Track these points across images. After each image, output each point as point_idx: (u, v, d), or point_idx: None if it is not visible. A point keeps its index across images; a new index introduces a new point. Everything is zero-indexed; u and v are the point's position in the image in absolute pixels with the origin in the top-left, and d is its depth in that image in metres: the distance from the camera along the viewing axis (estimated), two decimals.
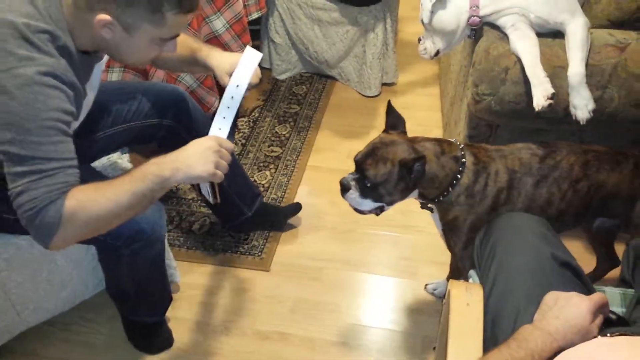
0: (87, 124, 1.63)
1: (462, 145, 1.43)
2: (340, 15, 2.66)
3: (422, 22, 1.77)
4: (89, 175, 1.30)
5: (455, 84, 2.23)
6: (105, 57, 1.44)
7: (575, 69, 1.57)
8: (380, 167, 1.36)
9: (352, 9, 2.62)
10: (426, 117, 2.68)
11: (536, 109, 1.57)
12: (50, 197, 1.12)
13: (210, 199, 1.44)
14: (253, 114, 2.74)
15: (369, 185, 1.38)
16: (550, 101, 1.55)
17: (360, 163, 1.40)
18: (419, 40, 1.85)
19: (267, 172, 2.41)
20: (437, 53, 1.81)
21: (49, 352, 1.79)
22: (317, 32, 2.75)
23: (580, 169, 1.42)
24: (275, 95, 2.86)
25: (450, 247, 1.55)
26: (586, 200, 1.44)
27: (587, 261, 1.86)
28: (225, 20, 2.32)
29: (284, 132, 2.63)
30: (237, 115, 1.42)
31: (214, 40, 2.34)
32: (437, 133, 2.56)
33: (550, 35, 1.66)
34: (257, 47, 2.90)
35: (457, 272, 1.72)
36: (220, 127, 1.41)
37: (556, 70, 1.61)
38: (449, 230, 1.49)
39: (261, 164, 2.45)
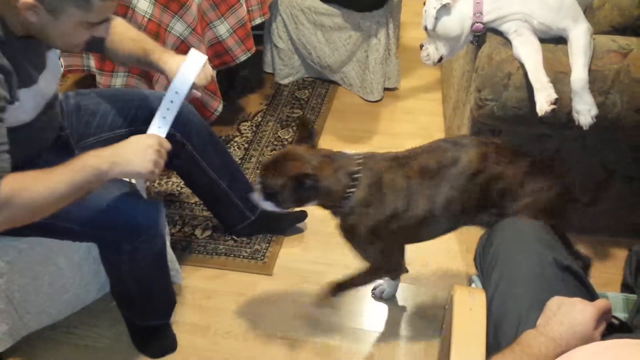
0: (83, 128, 1.65)
1: (361, 159, 1.49)
2: (343, 20, 2.67)
3: (425, 29, 1.77)
4: None
5: (457, 89, 2.23)
6: None
7: (578, 75, 1.57)
8: (277, 179, 1.44)
9: (354, 14, 2.63)
10: (428, 121, 2.68)
11: (539, 114, 1.58)
12: None
13: (145, 195, 1.44)
14: (256, 118, 2.74)
15: (269, 192, 1.48)
16: (553, 106, 1.55)
17: (263, 170, 1.50)
18: (421, 46, 1.85)
19: None
20: (441, 59, 1.81)
21: (51, 356, 1.78)
22: (319, 37, 2.76)
23: (479, 161, 1.47)
24: (278, 100, 2.86)
25: (353, 250, 1.61)
26: (485, 193, 1.49)
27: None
28: (229, 26, 2.33)
29: (286, 137, 2.63)
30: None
31: (218, 45, 2.35)
32: (440, 137, 2.56)
33: (553, 41, 1.67)
34: (260, 52, 2.93)
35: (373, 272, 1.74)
36: (160, 125, 1.43)
37: (559, 76, 1.61)
38: (348, 235, 1.56)
39: None
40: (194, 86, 1.52)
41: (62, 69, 1.50)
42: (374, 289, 1.93)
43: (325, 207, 1.53)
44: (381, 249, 1.58)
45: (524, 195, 1.48)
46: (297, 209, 1.56)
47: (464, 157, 1.47)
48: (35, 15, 1.18)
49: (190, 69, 1.48)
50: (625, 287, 1.28)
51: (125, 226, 1.47)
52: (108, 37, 1.55)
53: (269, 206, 1.51)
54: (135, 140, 1.31)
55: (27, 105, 1.33)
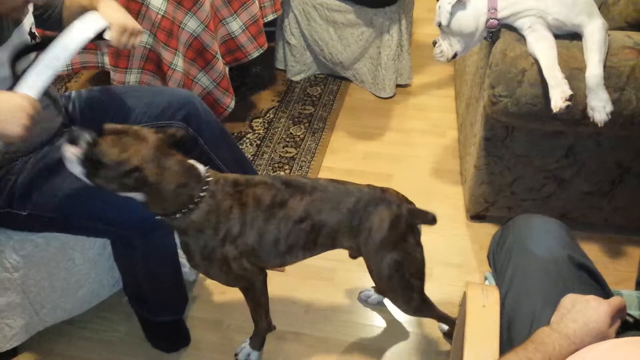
0: (96, 125, 1.66)
1: (210, 180, 1.38)
2: (355, 16, 2.66)
3: (439, 25, 1.77)
4: None
5: (471, 85, 2.22)
6: (28, 22, 1.41)
7: (593, 71, 1.56)
8: (114, 151, 1.25)
9: (367, 10, 2.63)
10: (441, 118, 2.68)
11: (554, 111, 1.57)
12: None
13: None
14: (268, 115, 2.75)
15: (92, 157, 1.26)
16: (568, 103, 1.54)
17: (102, 133, 1.29)
18: (434, 43, 1.84)
19: (282, 173, 2.42)
20: (455, 56, 1.80)
21: (66, 350, 1.81)
22: (332, 33, 2.76)
23: (303, 209, 1.40)
24: (290, 97, 2.87)
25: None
26: (312, 236, 1.43)
27: (603, 264, 1.86)
28: (241, 22, 2.34)
29: (298, 133, 2.64)
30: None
31: (231, 41, 2.36)
32: (452, 134, 2.56)
33: (568, 37, 1.66)
34: (272, 49, 2.93)
35: None
36: (32, 85, 1.26)
37: (574, 72, 1.60)
38: (183, 249, 1.45)
39: (276, 165, 2.46)
40: (105, 41, 1.42)
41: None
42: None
43: (148, 208, 1.38)
44: (222, 275, 1.49)
45: (360, 234, 1.43)
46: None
47: (291, 201, 1.41)
48: None
49: (81, 30, 1.33)
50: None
51: (138, 221, 1.48)
52: (63, 7, 1.53)
53: (78, 172, 1.29)
54: (5, 100, 1.19)
55: None
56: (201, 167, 1.40)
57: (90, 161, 1.26)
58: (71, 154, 1.28)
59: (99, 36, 1.41)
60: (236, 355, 1.76)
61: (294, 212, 1.41)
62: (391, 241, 1.43)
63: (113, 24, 1.42)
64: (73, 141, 1.28)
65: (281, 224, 1.41)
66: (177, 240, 1.49)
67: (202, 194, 1.36)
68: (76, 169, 1.29)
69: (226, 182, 1.41)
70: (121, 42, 1.45)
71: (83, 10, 1.46)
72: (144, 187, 1.29)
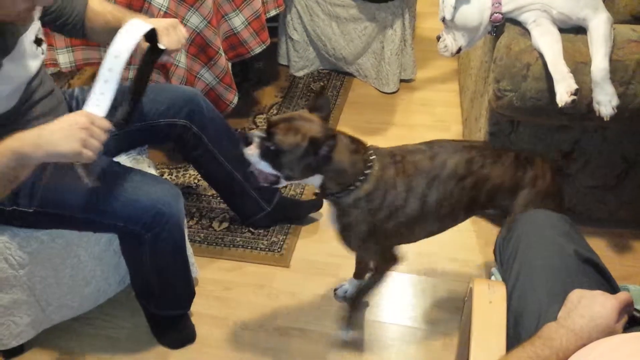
0: None
1: (374, 151, 1.43)
2: (358, 11, 2.65)
3: (443, 20, 1.76)
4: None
5: (475, 79, 2.22)
6: (34, 29, 1.39)
7: (599, 65, 1.55)
8: (290, 136, 1.30)
9: (370, 5, 2.62)
10: (445, 113, 2.67)
11: (559, 105, 1.56)
12: None
13: (87, 181, 1.31)
14: (271, 110, 2.74)
15: (272, 149, 1.31)
16: (574, 97, 1.53)
17: (272, 124, 1.33)
18: (438, 38, 1.84)
19: None
20: (459, 50, 1.79)
21: (72, 346, 1.81)
22: (335, 28, 2.75)
23: (465, 166, 1.46)
24: (293, 92, 2.86)
25: (348, 249, 1.56)
26: (473, 195, 1.49)
27: (609, 259, 1.85)
28: (244, 18, 2.33)
29: None
30: (139, 94, 1.30)
31: (233, 37, 2.35)
32: (457, 129, 2.55)
33: (573, 31, 1.65)
34: (275, 44, 2.93)
35: (362, 267, 1.77)
36: (97, 103, 1.26)
37: (579, 66, 1.59)
38: (345, 233, 1.49)
39: None
40: (165, 52, 1.41)
41: (42, 56, 1.44)
42: (336, 289, 1.91)
43: (324, 190, 1.41)
44: (377, 248, 1.54)
45: (521, 188, 1.49)
46: (300, 181, 1.39)
47: (450, 161, 1.46)
48: None
49: (130, 35, 1.31)
50: None
51: (147, 215, 1.48)
52: (85, 20, 1.52)
53: (262, 166, 1.35)
54: (61, 119, 1.19)
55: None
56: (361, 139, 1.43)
57: (271, 153, 1.31)
58: (251, 154, 1.34)
59: (156, 51, 1.39)
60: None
61: (456, 170, 1.45)
62: (553, 191, 1.52)
63: (156, 27, 1.39)
64: (248, 143, 1.34)
65: (444, 185, 1.44)
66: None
67: (369, 165, 1.39)
68: (262, 166, 1.35)
69: (385, 153, 1.45)
70: (173, 40, 1.43)
71: (107, 25, 1.47)
72: (324, 163, 1.32)
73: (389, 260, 1.63)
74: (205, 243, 2.13)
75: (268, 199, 2.06)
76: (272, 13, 2.55)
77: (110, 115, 1.27)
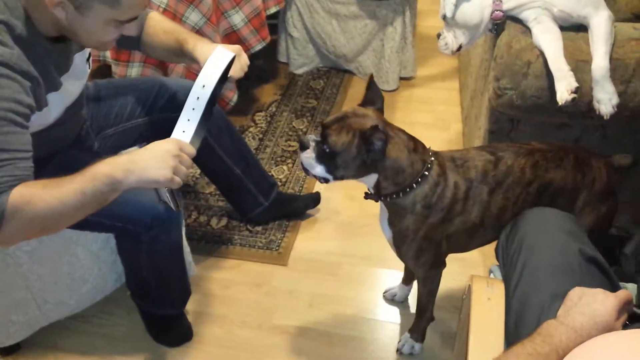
0: (102, 120, 1.66)
1: (433, 153, 1.38)
2: (358, 9, 2.65)
3: (444, 17, 1.75)
4: None
5: (475, 77, 2.21)
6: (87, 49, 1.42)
7: (599, 63, 1.54)
8: (343, 135, 1.28)
9: (370, 2, 2.61)
10: (445, 111, 2.66)
11: (559, 104, 1.55)
12: None
13: (171, 205, 1.35)
14: (270, 108, 2.74)
15: (327, 151, 1.30)
16: (574, 95, 1.53)
17: (325, 127, 1.31)
18: (438, 35, 1.83)
19: (285, 167, 2.41)
20: (460, 48, 1.79)
21: (69, 344, 1.80)
22: (335, 26, 2.75)
23: (531, 171, 1.40)
24: (292, 90, 2.86)
25: (400, 256, 1.51)
26: (537, 200, 1.42)
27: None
28: (244, 15, 2.33)
29: (301, 127, 2.62)
30: (207, 118, 1.34)
31: (233, 34, 2.35)
32: (457, 127, 2.55)
33: (574, 29, 1.64)
34: (275, 42, 2.92)
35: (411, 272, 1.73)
36: (184, 129, 1.30)
37: (579, 65, 1.58)
38: (399, 239, 1.44)
39: (278, 159, 2.46)
40: (229, 79, 1.45)
41: (88, 71, 1.48)
42: (386, 291, 1.90)
43: (380, 190, 1.36)
44: (430, 257, 1.47)
45: (580, 191, 1.45)
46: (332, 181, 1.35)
47: (516, 166, 1.40)
48: (64, 11, 1.17)
49: (216, 65, 1.35)
50: None
51: (146, 216, 1.47)
52: (143, 33, 1.53)
53: (319, 171, 1.34)
54: (152, 146, 1.22)
55: (53, 109, 1.32)
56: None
57: (325, 155, 1.30)
58: (307, 158, 1.34)
59: (224, 78, 1.39)
60: (399, 350, 1.72)
61: (523, 176, 1.39)
62: (608, 191, 1.47)
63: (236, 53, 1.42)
64: (303, 147, 1.35)
65: (509, 192, 1.38)
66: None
67: (428, 166, 1.34)
68: (318, 170, 1.34)
69: (445, 156, 1.40)
70: (237, 68, 1.46)
71: (164, 43, 1.51)
72: (379, 159, 1.29)
73: (438, 267, 1.55)
74: (203, 241, 2.12)
75: (266, 194, 2.06)
76: (272, 10, 2.55)
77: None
